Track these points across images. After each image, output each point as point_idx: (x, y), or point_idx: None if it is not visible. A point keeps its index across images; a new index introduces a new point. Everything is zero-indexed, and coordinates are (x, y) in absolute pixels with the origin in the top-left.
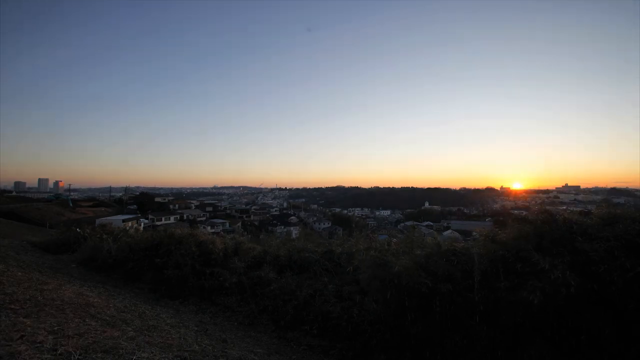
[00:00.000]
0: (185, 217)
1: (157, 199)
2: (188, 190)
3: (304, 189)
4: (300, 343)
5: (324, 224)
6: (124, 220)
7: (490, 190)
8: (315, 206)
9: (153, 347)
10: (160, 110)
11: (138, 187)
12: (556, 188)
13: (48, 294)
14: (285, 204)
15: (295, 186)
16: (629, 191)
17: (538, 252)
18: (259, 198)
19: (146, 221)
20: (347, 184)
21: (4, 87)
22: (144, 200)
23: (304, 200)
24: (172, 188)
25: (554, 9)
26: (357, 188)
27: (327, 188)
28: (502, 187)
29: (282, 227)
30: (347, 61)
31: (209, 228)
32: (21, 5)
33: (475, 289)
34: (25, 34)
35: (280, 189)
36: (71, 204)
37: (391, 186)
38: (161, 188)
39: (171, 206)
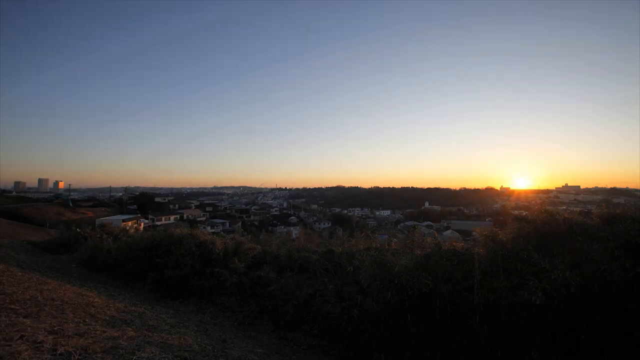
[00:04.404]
0: (185, 217)
1: (157, 199)
2: (188, 190)
3: (304, 189)
4: (301, 343)
5: (324, 224)
6: (123, 221)
7: (490, 190)
8: (315, 206)
9: (153, 347)
10: (160, 111)
11: (138, 187)
12: (556, 188)
13: (48, 294)
14: (285, 204)
15: (295, 186)
16: (629, 191)
17: (538, 252)
18: (259, 198)
19: (146, 221)
20: (347, 184)
21: (5, 89)
22: (144, 201)
23: (304, 200)
24: (172, 188)
25: (556, 8)
26: (357, 188)
27: (327, 188)
28: (502, 187)
29: (282, 227)
30: (348, 61)
31: (209, 228)
32: (20, 11)
33: (475, 289)
34: (26, 41)
35: (280, 189)
36: (71, 204)
37: (391, 186)
38: (161, 188)
39: (171, 206)
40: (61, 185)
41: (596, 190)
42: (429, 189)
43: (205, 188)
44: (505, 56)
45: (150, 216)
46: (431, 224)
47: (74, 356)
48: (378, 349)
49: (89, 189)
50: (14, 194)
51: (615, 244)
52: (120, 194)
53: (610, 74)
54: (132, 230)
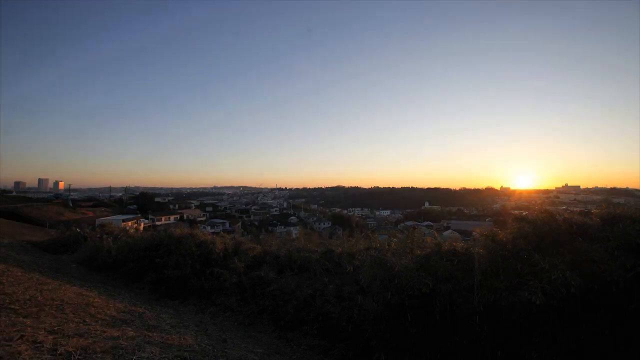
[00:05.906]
0: (185, 217)
1: (157, 199)
2: (188, 190)
3: (304, 189)
4: (301, 343)
5: (324, 224)
6: (123, 221)
7: (490, 190)
8: (315, 206)
9: (153, 347)
10: (160, 111)
11: (138, 187)
12: (556, 188)
13: (48, 294)
14: (285, 204)
15: (295, 186)
16: (629, 191)
17: (538, 252)
18: (259, 198)
19: (146, 221)
20: (347, 184)
21: (5, 89)
22: (144, 201)
23: (304, 200)
24: (172, 188)
25: (555, 8)
26: (357, 188)
27: (327, 188)
28: (502, 187)
29: (282, 227)
30: (347, 61)
31: (209, 228)
32: (24, 12)
33: (475, 289)
34: (25, 40)
35: (280, 189)
36: (71, 204)
37: (391, 186)
38: (161, 188)
39: (171, 206)
40: (61, 185)
41: (596, 190)
42: (429, 189)
43: (205, 188)
44: (505, 55)
45: (150, 216)
46: (431, 224)
47: (74, 356)
48: (378, 349)
49: (89, 189)
50: (14, 194)
51: (615, 244)
52: (120, 194)
53: (611, 73)
54: (132, 230)
